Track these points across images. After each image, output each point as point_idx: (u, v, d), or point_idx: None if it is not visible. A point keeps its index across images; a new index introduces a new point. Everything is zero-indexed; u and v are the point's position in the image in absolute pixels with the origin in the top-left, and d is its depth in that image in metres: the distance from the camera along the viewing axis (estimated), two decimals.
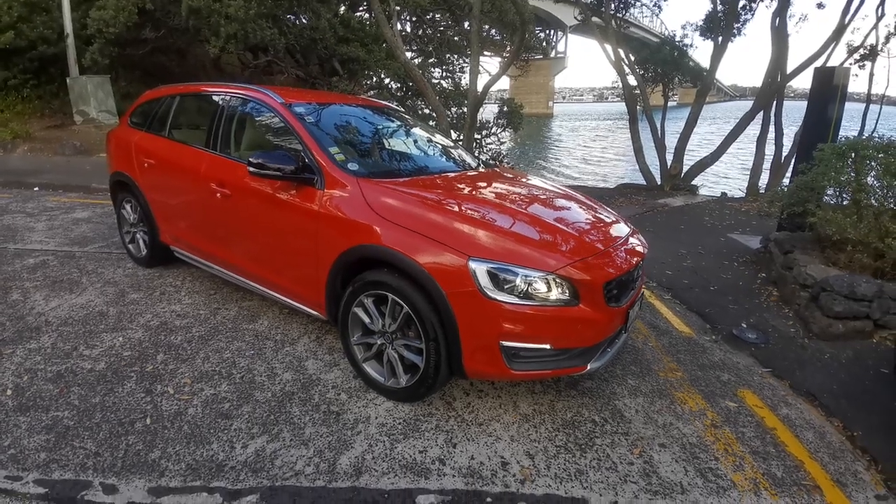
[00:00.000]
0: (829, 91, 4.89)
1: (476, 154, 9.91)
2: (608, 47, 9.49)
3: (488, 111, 11.48)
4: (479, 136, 10.93)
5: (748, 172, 10.36)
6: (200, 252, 3.55)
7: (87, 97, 10.47)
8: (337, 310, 2.62)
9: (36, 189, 7.26)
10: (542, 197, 2.96)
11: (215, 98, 3.49)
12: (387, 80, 12.64)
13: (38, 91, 11.05)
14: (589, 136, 35.61)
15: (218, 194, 3.12)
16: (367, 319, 2.51)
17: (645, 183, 9.79)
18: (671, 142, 9.72)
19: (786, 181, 7.66)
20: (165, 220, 3.79)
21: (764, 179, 9.97)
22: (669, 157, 9.42)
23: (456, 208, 2.48)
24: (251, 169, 2.66)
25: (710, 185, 13.84)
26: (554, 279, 2.16)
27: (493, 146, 11.66)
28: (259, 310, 3.48)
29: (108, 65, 10.57)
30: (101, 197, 6.71)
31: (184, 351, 2.94)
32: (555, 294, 2.16)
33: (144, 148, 3.83)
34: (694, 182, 9.64)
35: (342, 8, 14.12)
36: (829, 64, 8.43)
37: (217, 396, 2.52)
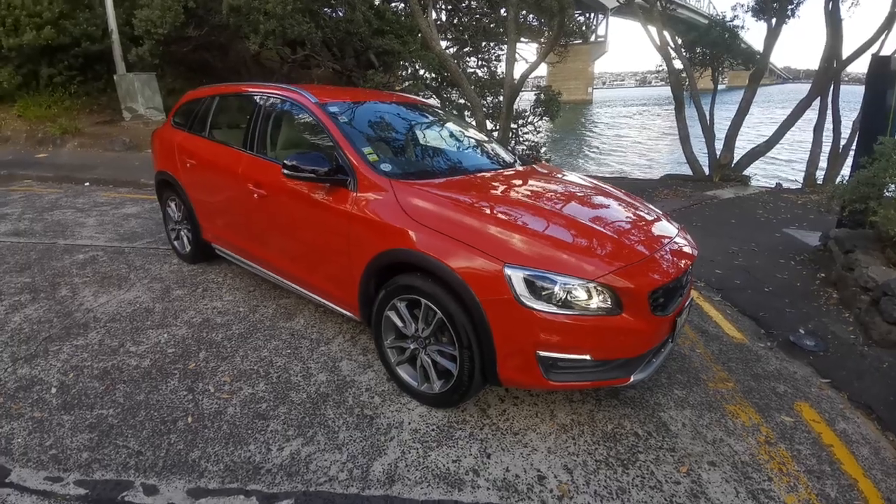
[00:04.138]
0: (885, 79, 4.81)
1: (512, 146, 9.73)
2: (652, 30, 9.06)
3: (525, 99, 11.21)
4: (515, 126, 10.69)
5: (792, 161, 9.71)
6: (240, 250, 3.62)
7: (135, 94, 10.81)
8: (370, 312, 2.59)
9: (86, 184, 7.56)
10: (581, 196, 2.83)
11: (252, 98, 3.51)
12: (422, 72, 12.54)
13: (85, 87, 11.32)
14: (629, 122, 34.44)
15: (255, 195, 3.15)
16: (400, 323, 2.47)
17: (692, 173, 9.35)
18: (720, 129, 9.21)
19: (845, 171, 7.20)
20: (207, 218, 3.87)
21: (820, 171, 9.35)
22: (719, 146, 8.95)
23: (491, 211, 2.39)
24: (285, 171, 2.66)
25: (758, 175, 13.07)
26: (595, 287, 2.05)
27: (529, 136, 11.39)
28: (295, 308, 3.51)
29: (154, 62, 10.87)
30: (149, 192, 6.92)
31: (224, 349, 3.00)
32: (595, 303, 2.06)
33: (186, 148, 3.91)
34: (745, 172, 9.13)
35: (377, 0, 14.07)
36: (884, 50, 8.02)
37: (255, 396, 2.56)
